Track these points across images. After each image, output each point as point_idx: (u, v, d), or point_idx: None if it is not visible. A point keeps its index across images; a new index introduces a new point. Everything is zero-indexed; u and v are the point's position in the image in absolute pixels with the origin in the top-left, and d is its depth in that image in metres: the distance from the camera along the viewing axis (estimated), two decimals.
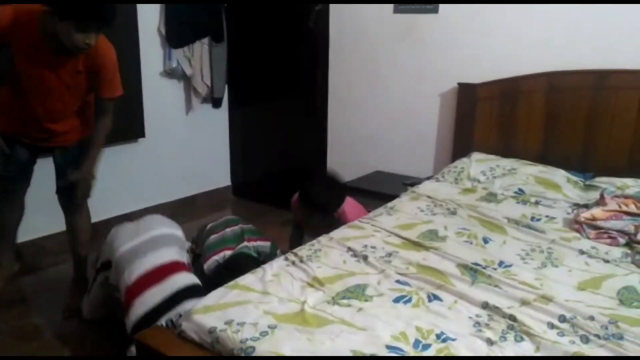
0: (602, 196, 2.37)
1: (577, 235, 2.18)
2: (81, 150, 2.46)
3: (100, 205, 3.48)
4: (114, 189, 3.57)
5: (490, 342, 1.41)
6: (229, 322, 1.47)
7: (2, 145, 2.27)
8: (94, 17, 2.03)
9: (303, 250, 1.99)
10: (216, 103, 4.20)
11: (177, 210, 3.93)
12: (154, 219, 2.40)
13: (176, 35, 3.69)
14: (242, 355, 1.35)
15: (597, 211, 2.24)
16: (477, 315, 1.54)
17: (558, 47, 2.87)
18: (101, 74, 2.29)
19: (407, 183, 3.17)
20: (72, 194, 2.45)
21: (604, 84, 2.73)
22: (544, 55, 2.91)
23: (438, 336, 1.43)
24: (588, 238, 2.15)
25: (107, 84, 2.34)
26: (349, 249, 2.01)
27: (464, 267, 1.84)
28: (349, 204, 2.69)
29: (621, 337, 1.41)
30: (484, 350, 1.37)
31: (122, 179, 3.63)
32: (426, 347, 1.38)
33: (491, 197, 2.64)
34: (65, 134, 2.42)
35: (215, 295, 1.64)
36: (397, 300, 1.63)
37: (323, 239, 2.13)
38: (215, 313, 1.53)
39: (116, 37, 3.28)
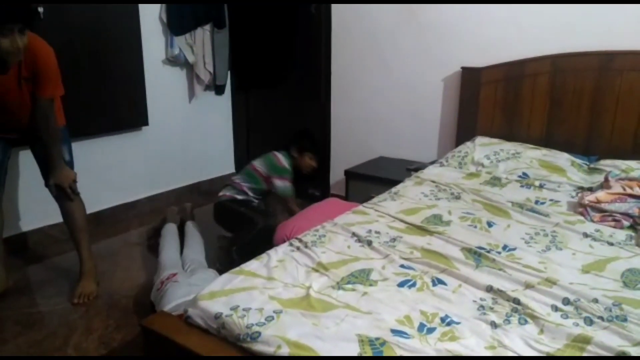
0: (606, 179, 2.36)
1: (581, 218, 2.18)
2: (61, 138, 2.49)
3: (105, 193, 3.51)
4: (118, 177, 3.59)
5: (494, 325, 1.41)
6: (234, 308, 1.48)
7: None
8: (8, 20, 1.98)
9: (308, 236, 2.00)
10: (219, 90, 4.20)
11: (181, 197, 3.95)
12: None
13: (178, 22, 3.68)
14: (248, 340, 1.37)
15: (601, 194, 2.24)
16: (481, 299, 1.55)
17: (562, 29, 2.85)
18: (41, 74, 2.27)
19: (410, 168, 3.17)
20: (60, 188, 2.49)
21: (608, 66, 2.71)
22: (548, 37, 2.89)
23: (443, 319, 1.44)
24: (592, 221, 2.15)
25: (49, 84, 2.32)
26: (354, 234, 2.02)
27: (468, 251, 1.85)
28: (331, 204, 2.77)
29: (625, 319, 1.42)
30: (488, 333, 1.38)
31: (126, 167, 3.64)
32: (431, 330, 1.39)
33: (495, 181, 2.64)
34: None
35: (221, 281, 1.65)
36: (401, 284, 1.64)
37: (327, 224, 2.14)
38: (221, 299, 1.54)
39: (118, 25, 3.32)
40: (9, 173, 2.64)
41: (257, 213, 2.98)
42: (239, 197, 3.03)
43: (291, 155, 3.15)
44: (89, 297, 2.55)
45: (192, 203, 3.48)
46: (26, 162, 2.52)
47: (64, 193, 2.50)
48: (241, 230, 2.90)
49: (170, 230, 2.96)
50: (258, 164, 3.11)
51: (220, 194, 3.07)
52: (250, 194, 3.06)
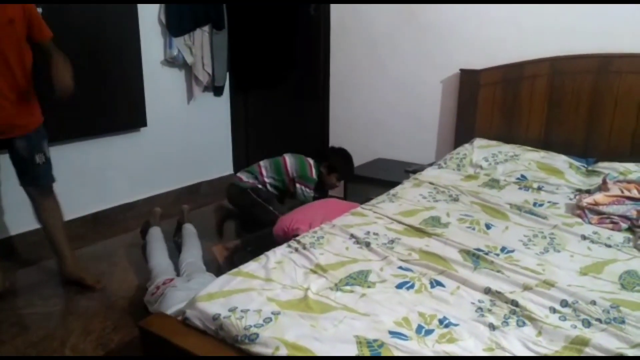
0: (604, 181, 2.36)
1: (580, 220, 2.19)
2: (42, 135, 2.49)
3: (103, 194, 3.51)
4: (116, 178, 3.58)
5: (492, 327, 1.42)
6: (232, 309, 1.48)
7: None
8: None
9: (306, 238, 2.00)
10: (217, 91, 4.20)
11: (180, 198, 3.95)
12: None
13: (177, 23, 3.68)
14: (246, 341, 1.37)
15: (599, 196, 2.24)
16: (479, 301, 1.55)
17: (561, 31, 2.85)
18: (33, 19, 2.33)
19: (409, 170, 3.17)
20: (39, 177, 2.50)
21: (607, 68, 2.71)
22: (547, 39, 2.90)
23: (441, 321, 1.44)
24: (590, 223, 2.16)
25: (42, 27, 2.39)
26: (352, 236, 2.02)
27: (467, 253, 1.85)
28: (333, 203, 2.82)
29: (623, 321, 1.42)
30: (486, 335, 1.38)
31: (124, 168, 3.63)
32: (429, 332, 1.39)
33: (493, 183, 2.64)
34: (25, 124, 2.41)
35: (219, 283, 1.65)
36: (399, 286, 1.64)
37: (326, 226, 2.14)
38: (219, 300, 1.54)
39: (116, 26, 3.31)
40: None
41: (277, 213, 3.04)
42: (260, 186, 3.11)
43: (320, 169, 3.24)
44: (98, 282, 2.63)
45: (189, 205, 3.47)
46: (8, 166, 2.51)
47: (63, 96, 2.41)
48: (256, 222, 3.02)
49: (154, 235, 2.92)
50: (290, 162, 3.19)
51: (241, 176, 3.18)
52: (269, 187, 3.10)
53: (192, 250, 2.70)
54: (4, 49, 2.27)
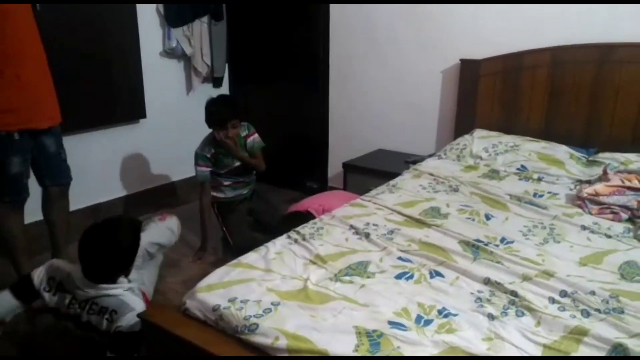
0: (605, 171, 2.36)
1: (580, 211, 2.18)
2: (60, 132, 2.51)
3: (102, 186, 3.50)
4: (115, 170, 3.58)
5: (491, 317, 1.42)
6: (232, 300, 1.48)
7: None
8: None
9: (305, 229, 2.00)
10: (217, 82, 4.18)
11: (179, 190, 3.94)
12: None
13: (175, 14, 3.65)
14: (246, 332, 1.37)
15: (599, 187, 2.24)
16: (478, 291, 1.55)
17: (562, 20, 2.83)
18: None
19: (409, 161, 3.16)
20: (62, 175, 2.53)
21: (608, 58, 2.70)
22: (547, 29, 2.87)
23: (440, 312, 1.44)
24: (590, 214, 2.15)
25: None
26: (351, 226, 2.02)
27: (466, 243, 1.85)
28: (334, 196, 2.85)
29: (622, 312, 1.42)
30: (485, 325, 1.38)
31: (123, 160, 3.63)
32: (428, 322, 1.39)
33: (493, 173, 2.64)
34: (55, 115, 2.42)
35: (219, 274, 1.66)
36: (399, 276, 1.64)
37: (325, 217, 2.14)
38: (219, 291, 1.55)
39: (115, 17, 3.29)
40: None
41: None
42: (230, 194, 3.07)
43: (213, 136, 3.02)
44: None
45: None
46: None
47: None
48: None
49: None
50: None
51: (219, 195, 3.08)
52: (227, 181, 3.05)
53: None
54: (35, 32, 2.29)
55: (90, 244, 1.84)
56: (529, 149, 2.74)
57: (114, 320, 1.79)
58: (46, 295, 1.93)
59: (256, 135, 3.09)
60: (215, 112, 2.92)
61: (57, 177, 2.52)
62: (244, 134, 3.03)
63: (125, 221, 2.00)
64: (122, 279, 1.91)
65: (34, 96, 2.30)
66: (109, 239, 1.86)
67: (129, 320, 1.74)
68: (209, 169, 2.98)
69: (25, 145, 2.34)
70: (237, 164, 3.02)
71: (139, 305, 1.81)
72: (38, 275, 1.96)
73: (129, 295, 1.85)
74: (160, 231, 2.35)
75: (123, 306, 1.80)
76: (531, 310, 1.44)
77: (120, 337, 1.74)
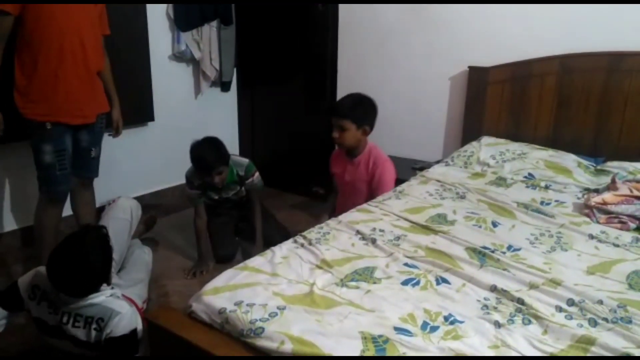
0: (613, 180, 2.34)
1: (587, 219, 2.17)
2: (103, 127, 2.63)
3: (110, 189, 3.51)
4: (123, 172, 3.60)
5: (498, 324, 1.41)
6: (238, 303, 1.49)
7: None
8: None
9: (312, 233, 2.00)
10: (225, 86, 4.20)
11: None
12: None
13: (185, 18, 3.68)
14: (252, 335, 1.37)
15: (607, 195, 2.22)
16: (485, 298, 1.55)
17: (571, 29, 2.83)
18: (102, 12, 2.54)
19: (416, 167, 3.16)
20: (86, 169, 2.61)
21: (617, 67, 2.69)
22: (556, 37, 2.87)
23: (446, 318, 1.43)
24: (598, 222, 2.14)
25: (105, 23, 2.60)
26: (358, 232, 2.01)
27: (473, 250, 1.84)
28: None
29: (630, 321, 1.41)
30: (491, 332, 1.38)
31: (131, 163, 3.65)
32: (434, 329, 1.39)
33: (501, 181, 2.63)
34: (88, 107, 2.49)
35: (225, 277, 1.66)
36: (405, 282, 1.64)
37: (332, 222, 2.14)
38: (225, 294, 1.55)
39: (125, 21, 3.32)
40: None
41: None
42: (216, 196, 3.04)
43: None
44: None
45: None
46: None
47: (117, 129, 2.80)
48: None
49: None
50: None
51: None
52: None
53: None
54: (85, 34, 2.38)
55: (60, 269, 1.70)
56: (537, 157, 2.73)
57: (102, 329, 1.74)
58: (31, 304, 1.85)
59: (256, 176, 2.97)
60: (200, 158, 2.81)
61: (80, 169, 2.59)
62: (242, 173, 2.95)
63: (92, 234, 1.82)
64: (103, 286, 1.84)
65: (69, 94, 2.38)
66: (79, 261, 1.70)
67: (116, 324, 1.72)
68: (199, 191, 2.94)
69: (59, 136, 2.39)
70: (226, 196, 3.01)
71: (125, 308, 1.77)
72: (23, 282, 1.87)
73: (113, 301, 1.80)
74: (118, 222, 2.38)
75: (108, 312, 1.75)
76: (538, 318, 1.43)
77: (113, 343, 1.72)
